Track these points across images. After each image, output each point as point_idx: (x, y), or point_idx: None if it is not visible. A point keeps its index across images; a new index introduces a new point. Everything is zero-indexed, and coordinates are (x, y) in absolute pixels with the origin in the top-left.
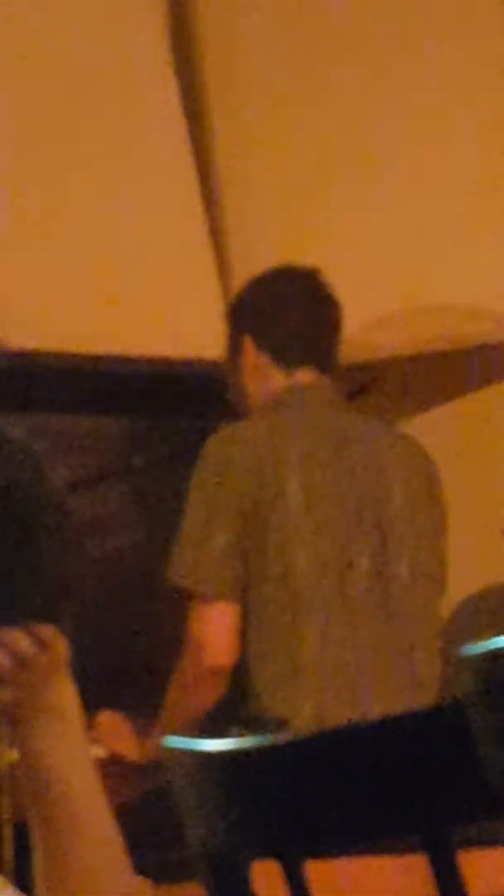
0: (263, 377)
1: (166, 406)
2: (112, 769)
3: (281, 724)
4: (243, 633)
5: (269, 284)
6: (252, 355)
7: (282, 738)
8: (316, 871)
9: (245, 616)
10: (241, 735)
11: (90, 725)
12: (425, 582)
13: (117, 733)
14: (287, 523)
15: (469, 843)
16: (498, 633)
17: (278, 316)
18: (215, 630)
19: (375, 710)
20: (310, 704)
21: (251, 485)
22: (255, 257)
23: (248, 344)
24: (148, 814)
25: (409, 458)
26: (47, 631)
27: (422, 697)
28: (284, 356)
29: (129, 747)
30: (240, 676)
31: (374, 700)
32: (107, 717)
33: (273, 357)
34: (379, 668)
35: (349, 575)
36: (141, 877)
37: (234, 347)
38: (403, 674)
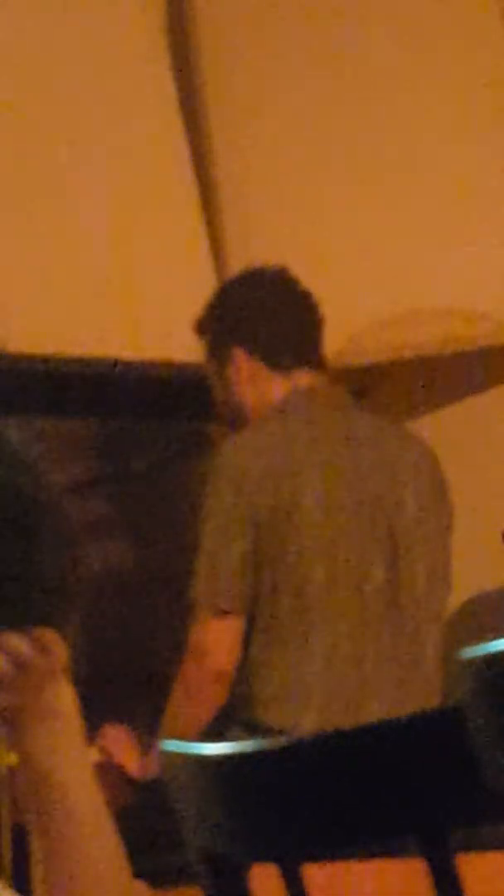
0: (259, 384)
1: (164, 409)
2: (111, 773)
3: (280, 732)
4: (249, 641)
5: (244, 291)
6: (244, 365)
7: (280, 741)
8: (314, 874)
9: (253, 624)
10: (240, 739)
11: (94, 738)
12: (437, 586)
13: (121, 747)
14: (304, 534)
15: (468, 846)
16: (497, 636)
17: (264, 321)
18: (221, 640)
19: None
20: (311, 717)
21: (267, 495)
22: (253, 261)
23: (239, 354)
24: (147, 817)
25: (419, 459)
26: (47, 634)
27: (425, 706)
28: (278, 361)
29: (131, 762)
30: (243, 684)
31: (377, 714)
32: (111, 731)
33: (266, 363)
34: (383, 680)
35: (363, 587)
36: (140, 880)
37: (220, 361)
38: (408, 684)
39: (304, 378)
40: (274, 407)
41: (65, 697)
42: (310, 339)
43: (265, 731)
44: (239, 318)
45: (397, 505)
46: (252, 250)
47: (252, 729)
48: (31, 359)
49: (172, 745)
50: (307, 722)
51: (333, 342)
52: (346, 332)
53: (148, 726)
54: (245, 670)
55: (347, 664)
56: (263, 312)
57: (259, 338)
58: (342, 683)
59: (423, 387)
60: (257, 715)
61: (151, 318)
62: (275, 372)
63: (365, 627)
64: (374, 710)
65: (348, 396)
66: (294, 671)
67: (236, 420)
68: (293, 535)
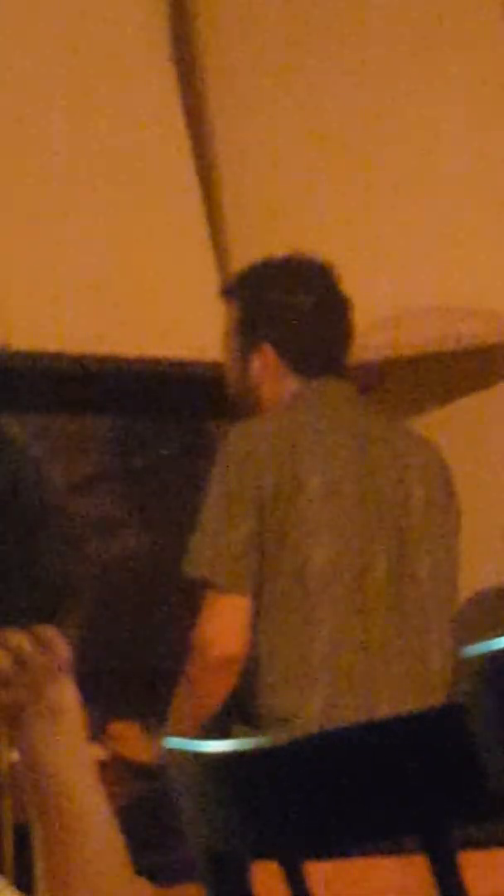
0: (281, 382)
1: (167, 407)
2: (115, 770)
3: (284, 721)
4: (256, 627)
5: (289, 287)
6: (271, 361)
7: (282, 739)
8: (316, 871)
9: (258, 610)
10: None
11: (103, 737)
12: (443, 584)
13: (130, 741)
14: (306, 518)
15: (470, 843)
16: (499, 635)
17: (303, 332)
18: (226, 622)
19: (383, 711)
20: (318, 701)
21: (271, 478)
22: (254, 258)
23: (269, 351)
24: (149, 815)
25: (428, 459)
26: (48, 632)
27: (433, 701)
28: (306, 368)
29: (142, 752)
30: (250, 671)
31: (382, 702)
32: (118, 728)
33: (293, 367)
34: (390, 670)
35: (366, 575)
36: (141, 878)
37: (246, 345)
38: (415, 677)
39: (320, 379)
40: (285, 400)
41: (67, 695)
42: (339, 349)
43: (268, 724)
44: (277, 317)
45: (405, 501)
46: (253, 249)
47: (254, 722)
48: (33, 356)
49: (174, 743)
50: (313, 707)
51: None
52: None
53: (154, 722)
54: (250, 656)
55: (354, 651)
56: (302, 320)
57: (292, 345)
58: (349, 669)
59: (423, 385)
60: (262, 702)
61: (152, 316)
62: (297, 375)
63: (368, 616)
64: (382, 699)
65: (358, 395)
66: (298, 656)
67: (244, 404)
68: (295, 518)
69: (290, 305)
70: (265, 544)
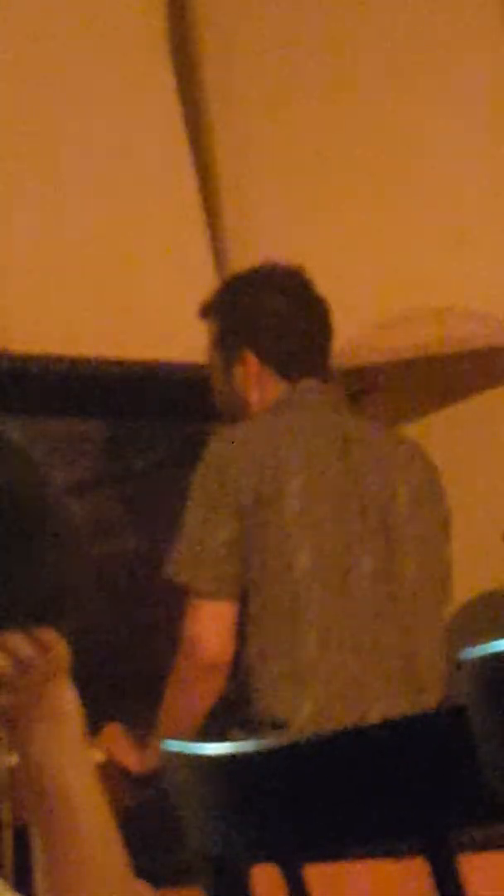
0: (266, 387)
1: (167, 410)
2: (113, 773)
3: (279, 726)
4: (244, 632)
5: (260, 293)
6: (254, 368)
7: (281, 741)
8: (315, 874)
9: (246, 615)
10: (240, 738)
11: (95, 739)
12: (431, 584)
13: (121, 745)
14: (288, 522)
15: (469, 846)
16: (497, 637)
17: (280, 331)
18: (211, 628)
19: (375, 711)
20: (309, 704)
21: (252, 483)
22: (253, 260)
23: (250, 357)
24: (148, 817)
25: (412, 460)
26: (48, 634)
27: (424, 701)
28: (289, 371)
29: (130, 759)
30: (240, 676)
31: (374, 702)
32: (111, 730)
33: (277, 371)
34: (380, 670)
35: (352, 576)
36: (141, 880)
37: (228, 355)
38: (405, 677)
39: (306, 384)
40: (268, 405)
41: (66, 697)
42: (320, 349)
43: (264, 728)
44: (254, 322)
45: (390, 500)
46: (252, 250)
47: (250, 727)
48: (31, 359)
49: (173, 746)
50: (305, 710)
51: (333, 343)
52: (345, 333)
53: (149, 723)
54: (241, 661)
55: (343, 652)
56: (280, 321)
57: (273, 348)
58: (339, 672)
59: (420, 388)
60: (255, 706)
61: (152, 318)
62: (281, 379)
63: (356, 617)
64: (373, 700)
65: (342, 398)
66: (288, 660)
67: (234, 414)
68: (277, 522)
69: (266, 309)
70: (248, 549)
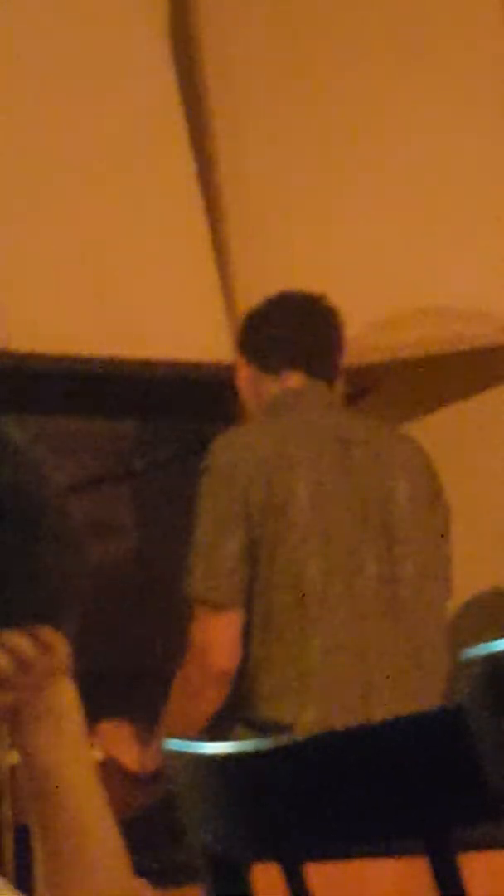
0: (258, 388)
1: (167, 409)
2: (116, 772)
3: (283, 729)
4: (248, 638)
5: (263, 306)
6: (244, 371)
7: (283, 741)
8: (316, 873)
9: (250, 620)
10: (243, 738)
11: (92, 734)
12: (431, 582)
13: (118, 743)
14: (297, 529)
15: (470, 845)
16: (498, 637)
17: (260, 327)
18: (221, 637)
19: (379, 714)
20: (313, 710)
21: (259, 491)
22: (257, 260)
23: (241, 361)
24: (149, 816)
25: (411, 459)
26: (48, 633)
27: (428, 701)
28: (268, 363)
29: (129, 757)
30: (244, 681)
31: (378, 707)
32: (108, 727)
33: (259, 366)
34: (384, 673)
35: (357, 580)
36: (142, 879)
37: (237, 372)
38: (408, 678)
39: (294, 380)
40: (263, 406)
41: (66, 696)
42: (313, 347)
43: (267, 729)
44: (244, 328)
45: (389, 498)
46: (254, 250)
47: (254, 726)
48: (33, 358)
49: (175, 745)
50: (308, 716)
51: (343, 347)
52: (349, 332)
53: (148, 723)
54: (245, 667)
55: (349, 657)
56: (262, 321)
57: (251, 342)
58: (343, 676)
59: (421, 388)
60: (259, 711)
61: (155, 318)
62: (267, 374)
63: (363, 620)
64: (377, 703)
65: (338, 397)
66: (293, 666)
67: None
68: (286, 530)
69: (251, 317)
70: (256, 557)
